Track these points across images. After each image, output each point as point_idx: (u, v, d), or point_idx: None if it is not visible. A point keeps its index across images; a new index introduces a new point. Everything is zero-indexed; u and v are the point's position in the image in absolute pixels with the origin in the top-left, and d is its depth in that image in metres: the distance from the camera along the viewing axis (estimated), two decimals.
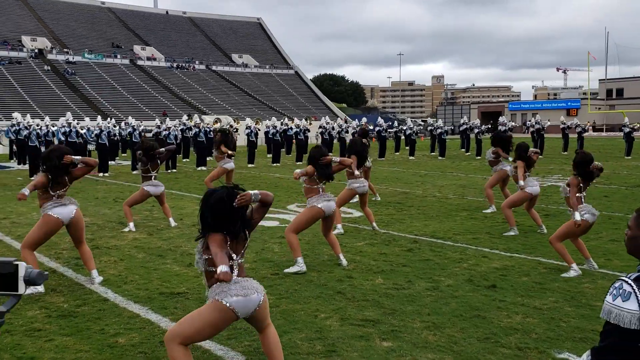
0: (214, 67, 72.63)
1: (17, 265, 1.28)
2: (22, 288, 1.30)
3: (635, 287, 2.12)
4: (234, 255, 3.50)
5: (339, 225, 8.84)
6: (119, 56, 66.30)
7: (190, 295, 5.75)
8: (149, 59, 68.88)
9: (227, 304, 3.37)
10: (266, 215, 3.90)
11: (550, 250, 6.99)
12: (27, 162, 19.65)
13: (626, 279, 2.15)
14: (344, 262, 6.85)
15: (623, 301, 2.11)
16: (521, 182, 8.43)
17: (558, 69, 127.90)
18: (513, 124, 31.47)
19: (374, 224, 9.00)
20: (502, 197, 10.31)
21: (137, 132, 23.00)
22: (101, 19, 74.91)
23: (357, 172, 8.64)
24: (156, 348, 4.41)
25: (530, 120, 29.95)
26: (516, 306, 5.36)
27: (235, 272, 3.46)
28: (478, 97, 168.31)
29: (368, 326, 4.85)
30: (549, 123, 28.98)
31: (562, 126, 28.05)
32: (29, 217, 10.31)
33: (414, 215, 10.52)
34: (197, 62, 71.82)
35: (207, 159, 22.29)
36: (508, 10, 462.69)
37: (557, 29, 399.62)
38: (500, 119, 29.49)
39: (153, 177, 9.30)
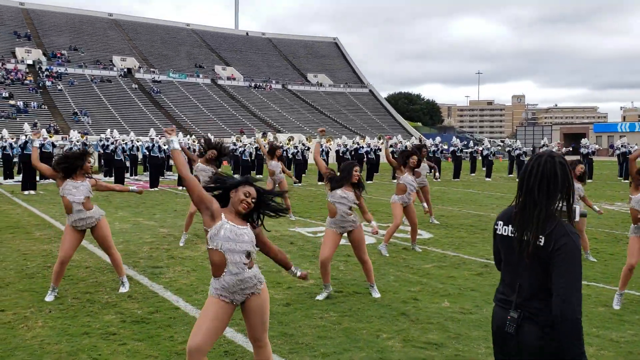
0: (289, 87, 74.27)
1: (575, 207, 2.20)
2: (577, 217, 2.20)
3: None
4: None
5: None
6: (201, 76, 69.29)
7: None
8: (228, 78, 71.50)
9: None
10: None
11: (632, 280, 6.59)
12: (113, 174, 20.82)
13: None
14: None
15: None
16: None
17: None
18: (596, 146, 30.03)
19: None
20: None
21: None
22: (186, 40, 78.70)
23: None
24: (220, 357, 4.53)
25: (616, 143, 28.45)
26: (590, 337, 5.09)
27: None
28: (561, 117, 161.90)
29: (431, 349, 4.76)
30: (637, 147, 27.39)
31: None
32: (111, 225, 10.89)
33: (487, 238, 10.23)
34: (273, 81, 73.76)
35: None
36: (597, 28, 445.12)
37: None
38: (583, 140, 28.22)
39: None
